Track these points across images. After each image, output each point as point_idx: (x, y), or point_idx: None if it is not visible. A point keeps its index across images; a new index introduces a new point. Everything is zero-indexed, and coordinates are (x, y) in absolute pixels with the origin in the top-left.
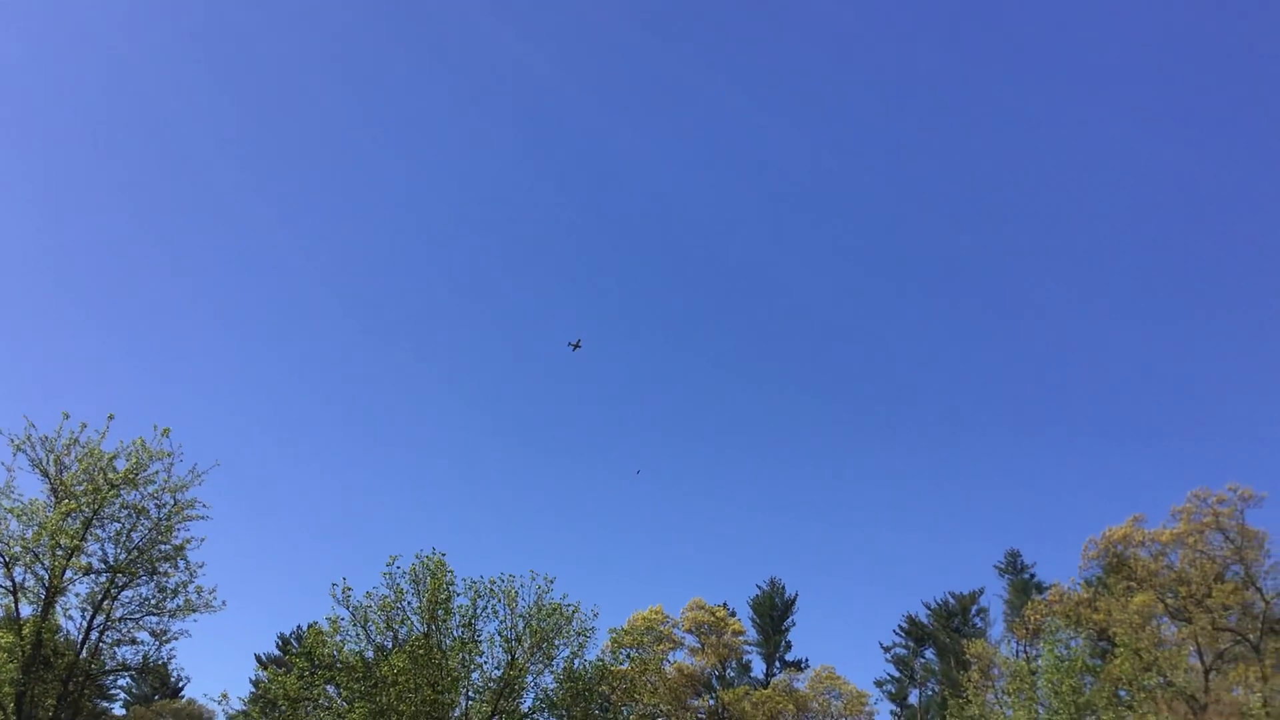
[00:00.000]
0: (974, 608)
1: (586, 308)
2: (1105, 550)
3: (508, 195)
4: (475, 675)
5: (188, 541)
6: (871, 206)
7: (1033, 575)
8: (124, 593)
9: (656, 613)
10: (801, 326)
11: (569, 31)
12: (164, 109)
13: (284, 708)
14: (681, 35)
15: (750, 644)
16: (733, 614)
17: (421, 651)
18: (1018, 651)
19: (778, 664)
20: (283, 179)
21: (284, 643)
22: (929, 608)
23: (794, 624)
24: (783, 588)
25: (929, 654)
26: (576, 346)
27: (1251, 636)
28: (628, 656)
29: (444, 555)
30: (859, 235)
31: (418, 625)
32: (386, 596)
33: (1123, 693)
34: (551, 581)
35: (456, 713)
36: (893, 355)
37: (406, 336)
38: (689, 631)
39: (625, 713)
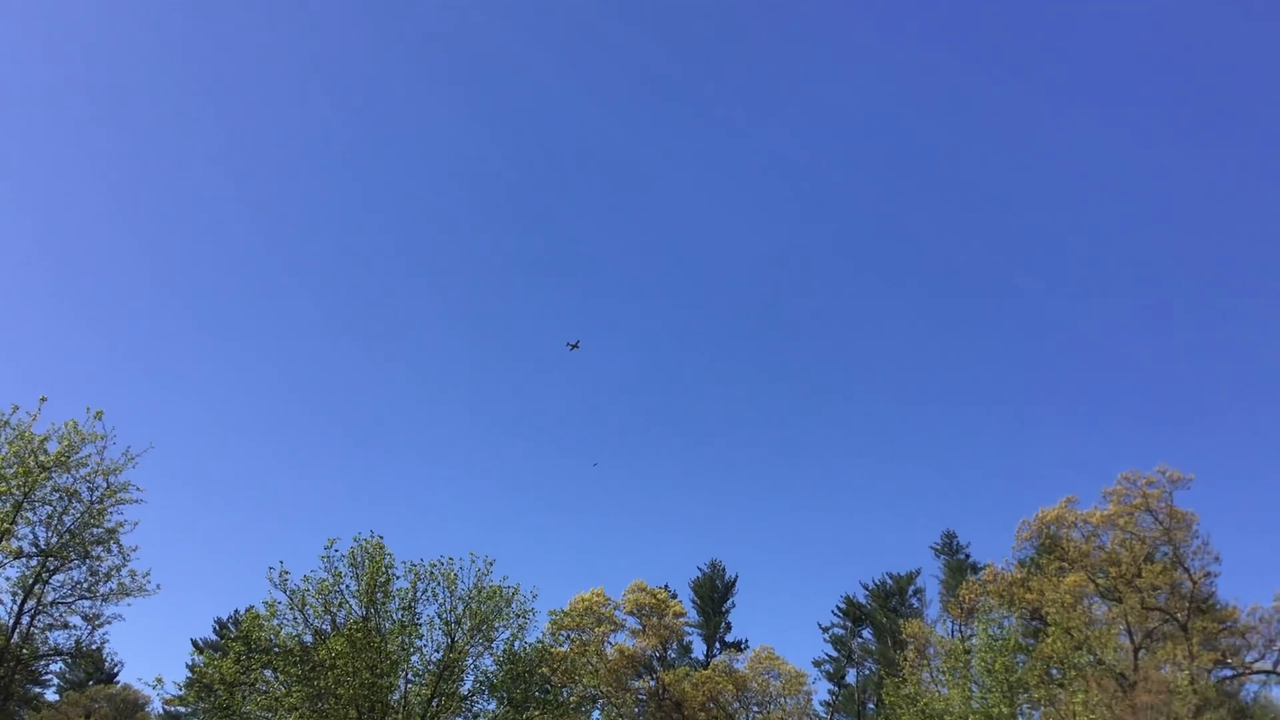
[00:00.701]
0: (911, 588)
1: (522, 279)
2: (1038, 531)
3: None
4: (415, 658)
5: (121, 525)
6: (813, 178)
7: (968, 556)
8: (55, 576)
9: (598, 595)
10: (743, 308)
11: (566, 30)
12: (148, 106)
13: (220, 692)
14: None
15: (691, 625)
16: (674, 596)
17: (360, 635)
18: (953, 631)
19: (718, 645)
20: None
21: (221, 627)
22: (867, 588)
23: (734, 605)
24: (723, 570)
25: (866, 634)
26: (574, 346)
27: (1179, 616)
28: (568, 638)
29: (382, 539)
30: (803, 214)
31: (356, 609)
32: (324, 580)
33: (1054, 671)
34: (491, 564)
35: (396, 696)
36: (834, 337)
37: (355, 317)
38: (630, 613)
39: (565, 694)
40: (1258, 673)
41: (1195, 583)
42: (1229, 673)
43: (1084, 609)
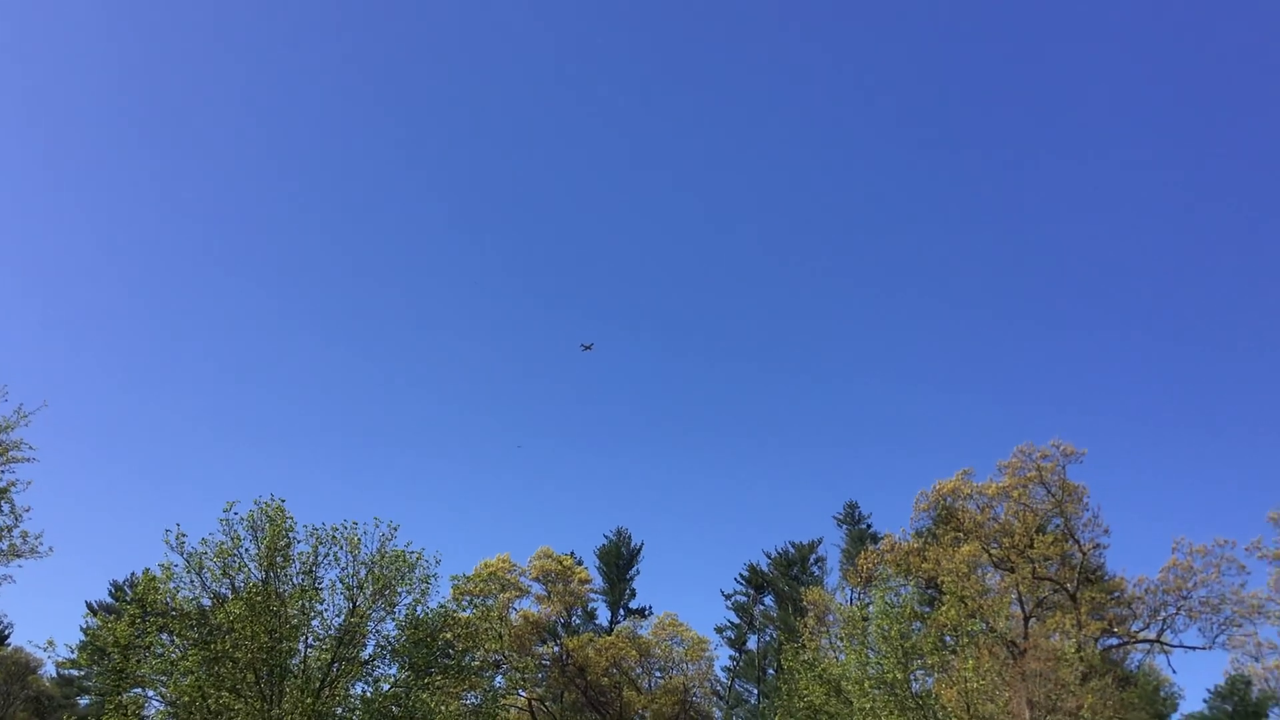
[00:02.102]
0: (812, 557)
1: (422, 239)
2: (936, 503)
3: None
4: (315, 623)
5: (12, 484)
6: (707, 158)
7: (869, 526)
8: None
9: (503, 561)
10: (651, 284)
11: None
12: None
13: (114, 655)
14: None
15: (596, 592)
16: (580, 563)
17: (259, 599)
18: (852, 598)
19: (622, 611)
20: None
21: (116, 589)
22: (770, 557)
23: (639, 573)
24: (629, 537)
25: (768, 601)
26: (588, 348)
27: (1069, 585)
28: (471, 604)
29: (283, 502)
30: (690, 186)
31: (255, 572)
32: (223, 543)
33: (948, 638)
34: (395, 529)
35: (295, 660)
36: (740, 312)
37: (251, 269)
38: (536, 580)
39: (469, 659)
40: (1142, 642)
41: (1085, 554)
42: (1115, 641)
43: (978, 578)
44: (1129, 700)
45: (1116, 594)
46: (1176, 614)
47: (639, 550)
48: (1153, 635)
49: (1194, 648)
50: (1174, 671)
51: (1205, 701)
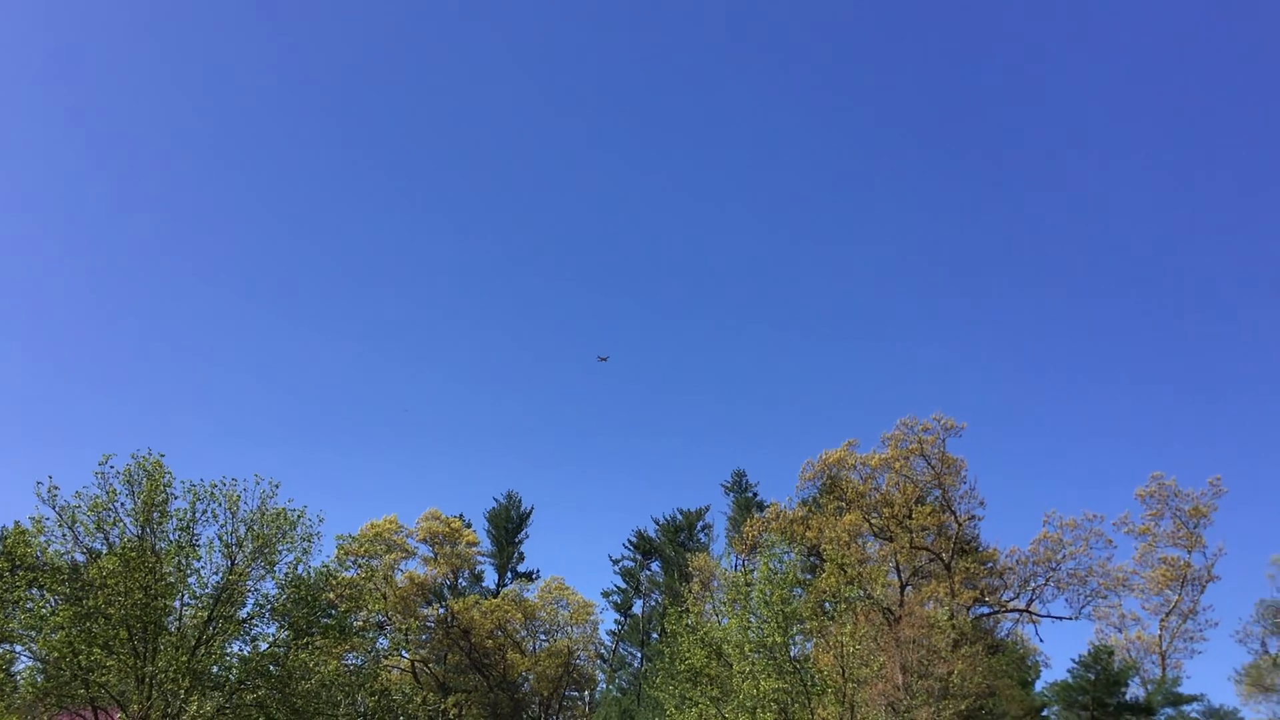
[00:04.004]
0: (700, 524)
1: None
2: (821, 472)
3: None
4: (192, 580)
5: None
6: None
7: (755, 494)
8: None
9: (390, 522)
10: (543, 231)
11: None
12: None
13: None
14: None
15: (484, 555)
16: (469, 525)
17: (134, 555)
18: (736, 565)
19: (510, 574)
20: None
21: None
22: (658, 523)
23: (528, 536)
24: (519, 501)
25: (655, 567)
26: (604, 360)
27: (944, 555)
28: (356, 564)
29: (162, 456)
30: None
31: (131, 528)
32: (98, 497)
33: (827, 604)
34: (276, 486)
35: (171, 619)
36: (637, 271)
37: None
38: (423, 541)
39: (351, 620)
40: (1011, 611)
41: (960, 525)
42: (986, 610)
43: (858, 547)
44: (997, 667)
45: (989, 564)
46: (1045, 585)
47: (529, 514)
48: (1022, 605)
49: (1061, 618)
50: (1041, 640)
51: (1069, 670)
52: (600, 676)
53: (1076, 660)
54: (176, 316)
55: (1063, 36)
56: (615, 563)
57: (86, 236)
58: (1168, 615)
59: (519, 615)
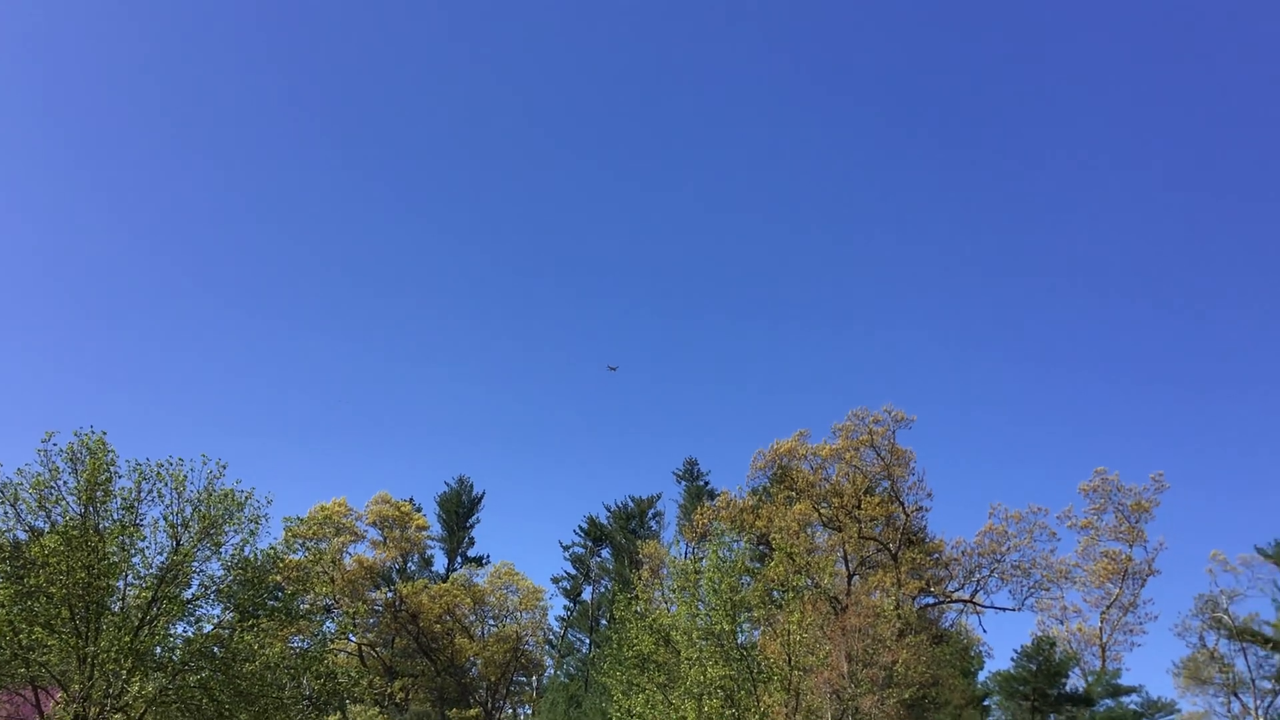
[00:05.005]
0: (651, 511)
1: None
2: (772, 462)
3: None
4: (136, 560)
5: None
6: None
7: (707, 483)
8: None
9: (339, 505)
10: (494, 217)
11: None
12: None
13: None
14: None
15: (434, 539)
16: (419, 510)
17: (77, 534)
18: (686, 553)
19: (460, 559)
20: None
21: None
22: (609, 510)
23: (479, 521)
24: (471, 486)
25: (605, 554)
26: (614, 369)
27: (891, 546)
28: (304, 547)
29: (105, 434)
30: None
31: (74, 506)
32: (40, 474)
33: (775, 593)
34: (224, 467)
35: (114, 599)
36: (592, 257)
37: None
38: (373, 525)
39: (298, 603)
40: (956, 601)
41: (908, 516)
42: (931, 600)
43: (807, 536)
44: (940, 656)
45: (935, 555)
46: (990, 576)
47: (480, 499)
48: (967, 596)
49: (1004, 609)
50: (984, 631)
51: (1012, 660)
52: (548, 662)
53: (1019, 651)
54: (118, 295)
55: (1050, 31)
56: (566, 549)
57: (64, 238)
58: (1109, 608)
59: (468, 600)
